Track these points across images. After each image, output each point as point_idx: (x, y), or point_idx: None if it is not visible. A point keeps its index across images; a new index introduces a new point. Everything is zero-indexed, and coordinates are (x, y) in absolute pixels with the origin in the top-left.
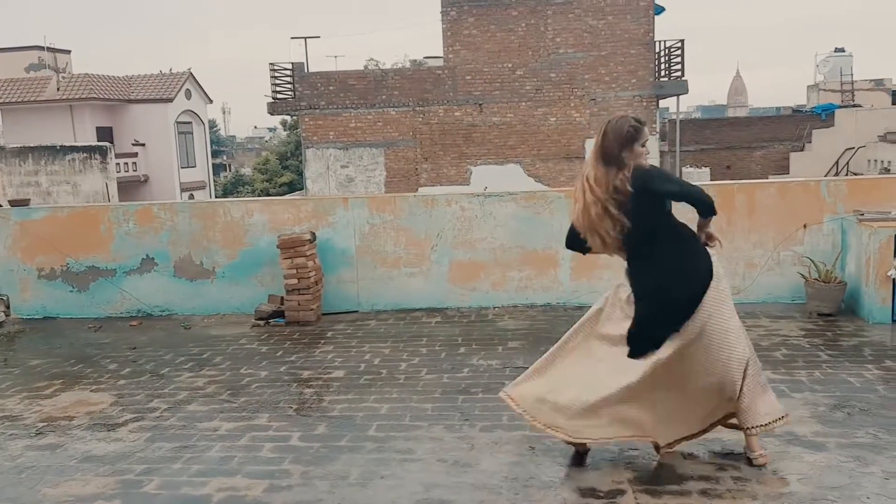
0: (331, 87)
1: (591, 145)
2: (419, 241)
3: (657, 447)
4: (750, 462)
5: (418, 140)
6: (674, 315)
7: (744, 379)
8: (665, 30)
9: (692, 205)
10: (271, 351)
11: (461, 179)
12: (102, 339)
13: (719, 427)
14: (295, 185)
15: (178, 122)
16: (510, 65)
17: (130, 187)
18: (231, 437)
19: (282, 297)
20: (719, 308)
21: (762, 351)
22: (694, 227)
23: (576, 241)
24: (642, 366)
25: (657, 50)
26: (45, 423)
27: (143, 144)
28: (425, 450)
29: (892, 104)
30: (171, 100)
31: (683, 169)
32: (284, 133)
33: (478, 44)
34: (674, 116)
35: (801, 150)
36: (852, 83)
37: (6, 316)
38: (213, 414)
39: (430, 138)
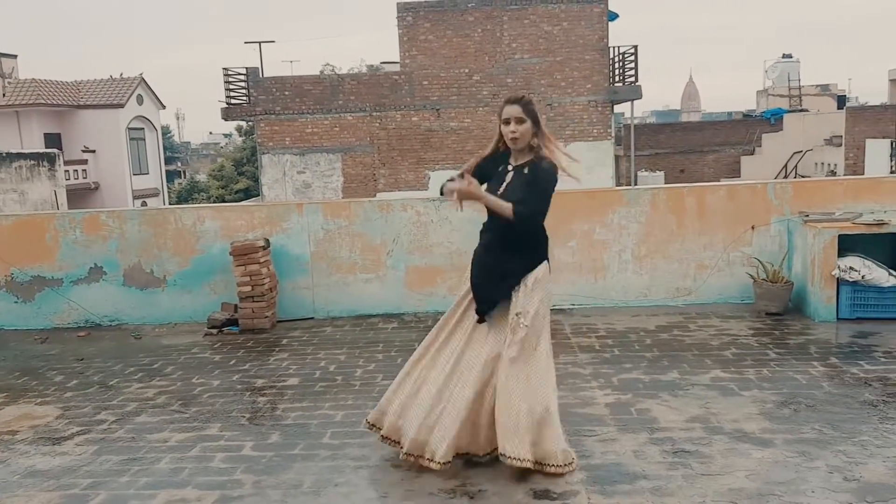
0: (286, 92)
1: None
2: (375, 247)
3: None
4: None
5: (376, 145)
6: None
7: None
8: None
9: None
10: (224, 360)
11: (419, 185)
12: (49, 350)
13: (672, 425)
14: (251, 192)
15: (130, 128)
16: (467, 70)
17: (80, 195)
18: (181, 448)
19: (235, 305)
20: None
21: (713, 350)
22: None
23: None
24: None
25: (611, 56)
26: None
27: (94, 151)
28: (379, 456)
29: (838, 109)
30: (122, 105)
31: (638, 173)
32: (240, 139)
33: (434, 49)
34: (628, 121)
35: (752, 153)
36: (800, 88)
37: None
38: (163, 425)
39: (388, 143)
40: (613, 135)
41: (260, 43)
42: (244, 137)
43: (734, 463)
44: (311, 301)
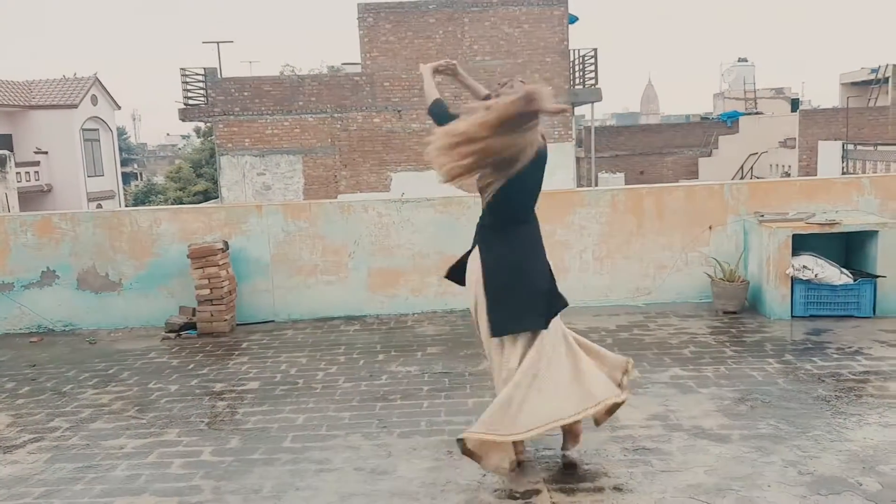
0: (245, 93)
1: None
2: (336, 249)
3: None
4: None
5: (337, 147)
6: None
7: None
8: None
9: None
10: (182, 364)
11: (381, 186)
12: None
13: (632, 423)
14: (210, 194)
15: (84, 129)
16: None
17: (33, 197)
18: (138, 454)
19: (193, 309)
20: None
21: (672, 349)
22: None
23: None
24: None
25: (572, 58)
26: None
27: (46, 152)
28: (342, 459)
29: (792, 112)
30: (75, 106)
31: (599, 174)
32: (198, 140)
33: (395, 50)
34: (589, 123)
35: (709, 155)
36: (755, 92)
37: None
38: (119, 431)
39: (349, 145)
40: (574, 137)
41: (218, 43)
42: (202, 139)
43: (693, 459)
44: (272, 304)
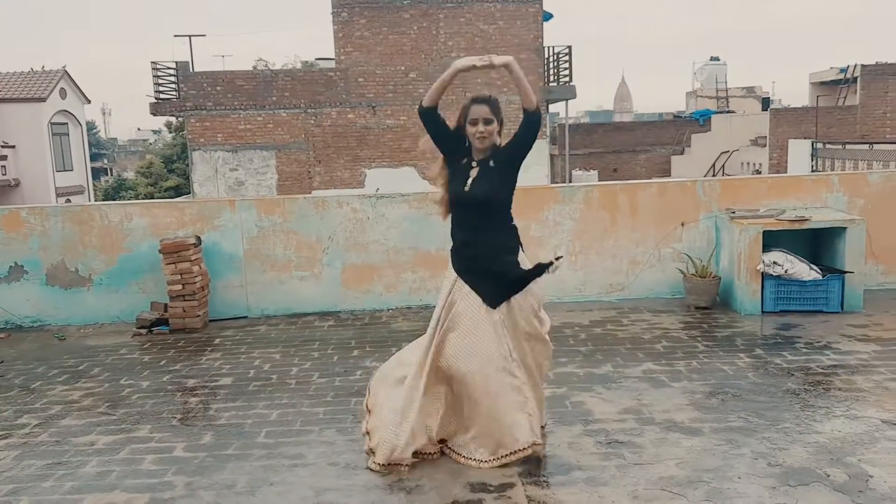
0: (218, 88)
1: None
2: (310, 245)
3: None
4: None
5: (311, 143)
6: None
7: None
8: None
9: None
10: (154, 360)
11: (355, 183)
12: None
13: (606, 417)
14: (182, 190)
15: (53, 123)
16: (403, 67)
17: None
18: (109, 450)
19: (165, 304)
20: None
21: (644, 344)
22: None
23: None
24: None
25: (546, 56)
26: None
27: (13, 146)
28: (316, 454)
29: (763, 110)
30: (43, 99)
31: (573, 172)
32: (170, 135)
33: (370, 46)
34: (563, 121)
35: (682, 153)
36: (727, 90)
37: None
38: (90, 428)
39: (323, 141)
40: (548, 134)
41: (190, 37)
42: (174, 134)
43: (665, 452)
44: (245, 300)
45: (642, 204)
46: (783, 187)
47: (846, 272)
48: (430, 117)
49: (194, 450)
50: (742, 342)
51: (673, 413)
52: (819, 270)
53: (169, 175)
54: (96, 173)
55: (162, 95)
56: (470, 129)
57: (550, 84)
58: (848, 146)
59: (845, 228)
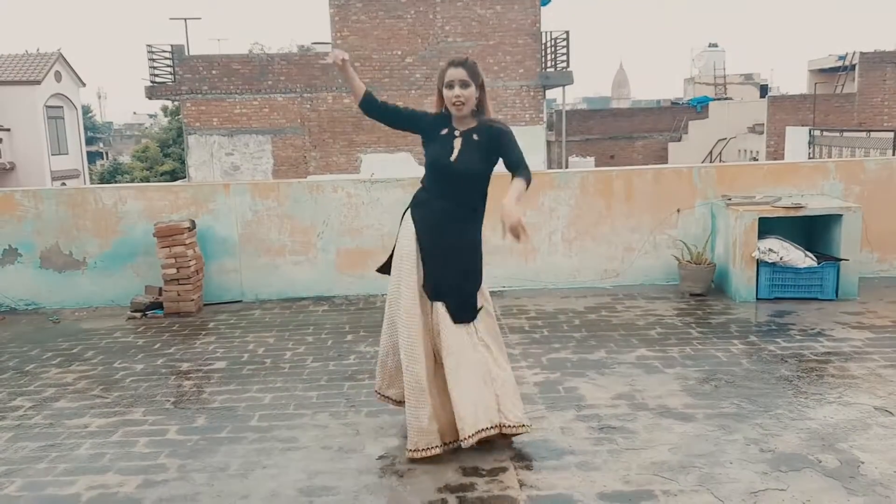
0: (213, 71)
1: None
2: (305, 229)
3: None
4: None
5: (306, 127)
6: None
7: None
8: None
9: None
10: (148, 344)
11: (351, 168)
12: None
13: (598, 403)
14: (177, 174)
15: (48, 107)
16: (399, 52)
17: None
18: (102, 433)
19: (160, 288)
20: None
21: (638, 330)
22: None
23: None
24: None
25: (544, 41)
26: None
27: (8, 129)
28: (309, 437)
29: (760, 98)
30: (38, 82)
31: (570, 158)
32: (165, 119)
33: (366, 30)
34: (560, 107)
35: (679, 140)
36: (724, 77)
37: None
38: (83, 410)
39: (319, 126)
40: (545, 120)
41: (186, 19)
42: (170, 118)
43: (657, 437)
44: (239, 284)
45: (638, 190)
46: (780, 174)
47: (841, 260)
48: (369, 111)
49: (188, 433)
50: (736, 329)
51: (666, 399)
52: (814, 258)
53: (165, 159)
54: (92, 157)
55: (157, 79)
56: (447, 93)
57: (548, 70)
58: (845, 134)
59: (841, 216)
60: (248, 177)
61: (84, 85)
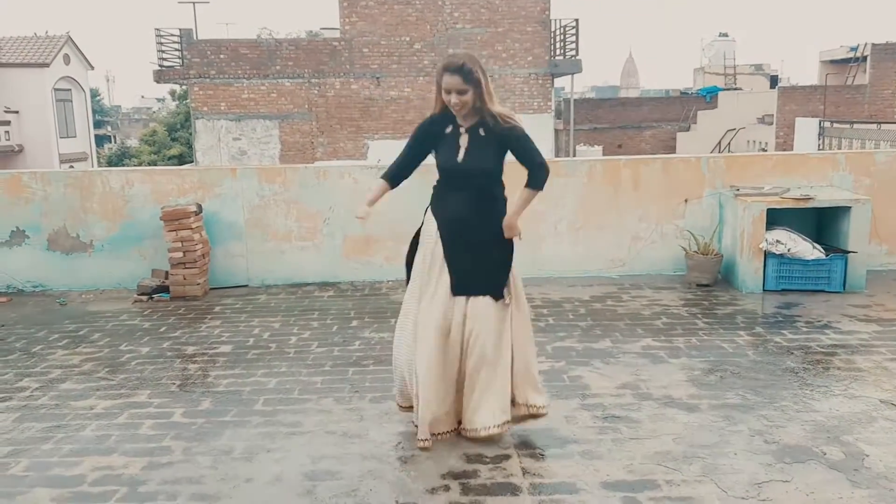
0: (222, 56)
1: None
2: (311, 214)
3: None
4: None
5: (314, 113)
6: None
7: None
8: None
9: None
10: (154, 327)
11: (358, 154)
12: None
13: (603, 392)
14: (185, 158)
15: (56, 89)
16: (408, 38)
17: (2, 157)
18: (108, 415)
19: (166, 272)
20: None
21: (644, 320)
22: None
23: None
24: None
25: (553, 28)
26: None
27: (17, 112)
28: (314, 422)
29: (770, 88)
30: (47, 65)
31: (577, 147)
32: (173, 103)
33: (375, 16)
34: (568, 95)
35: (687, 130)
36: (735, 67)
37: None
38: (89, 392)
39: (327, 111)
40: (553, 108)
41: (194, 3)
42: (178, 102)
43: (661, 427)
44: (245, 268)
45: (646, 179)
46: (789, 165)
47: (849, 252)
48: (398, 183)
49: (193, 416)
50: (742, 320)
51: (671, 389)
52: (822, 250)
53: (172, 143)
54: (100, 140)
55: (166, 63)
56: (445, 97)
57: (556, 57)
58: (856, 125)
59: (850, 208)
60: (256, 162)
61: (92, 68)
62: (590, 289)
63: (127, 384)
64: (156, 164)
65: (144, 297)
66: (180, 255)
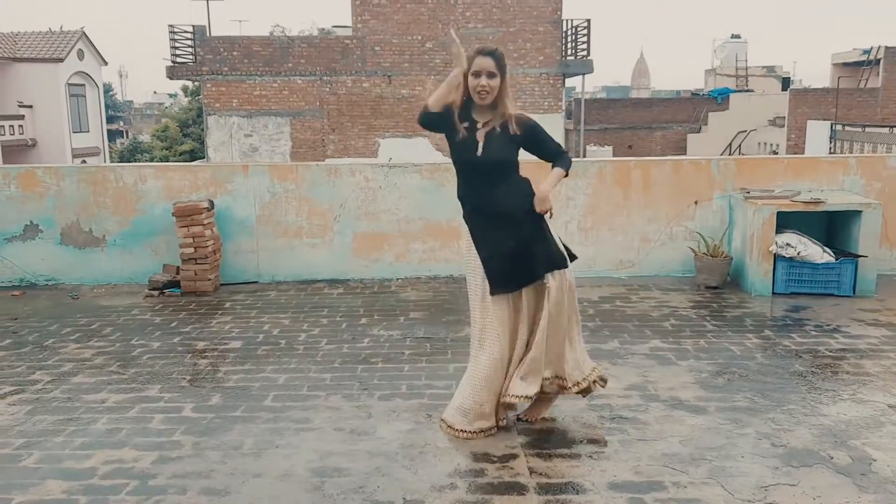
0: (234, 53)
1: None
2: (322, 212)
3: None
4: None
5: (325, 110)
6: None
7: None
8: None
9: None
10: (165, 322)
11: (369, 152)
12: None
13: (611, 393)
14: (196, 154)
15: (70, 84)
16: (420, 37)
17: (16, 151)
18: (119, 408)
19: (177, 267)
20: None
21: (653, 321)
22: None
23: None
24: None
25: (564, 28)
26: None
27: (31, 106)
28: (322, 419)
29: (782, 90)
30: (61, 60)
31: (587, 147)
32: (185, 99)
33: (387, 14)
34: (579, 95)
35: (698, 131)
36: (746, 69)
37: None
38: (101, 386)
39: (338, 109)
40: (564, 108)
41: (208, 0)
42: (190, 98)
43: (669, 429)
44: (256, 265)
45: (656, 181)
46: (799, 168)
47: (860, 256)
48: (433, 120)
49: (202, 410)
50: (751, 323)
51: (678, 391)
52: (832, 253)
53: (184, 139)
54: (112, 135)
55: (178, 59)
56: (472, 82)
57: (568, 57)
58: (868, 129)
59: (861, 212)
60: (267, 159)
61: (106, 63)
62: (599, 289)
63: (138, 378)
64: (167, 160)
65: (156, 292)
66: (192, 250)
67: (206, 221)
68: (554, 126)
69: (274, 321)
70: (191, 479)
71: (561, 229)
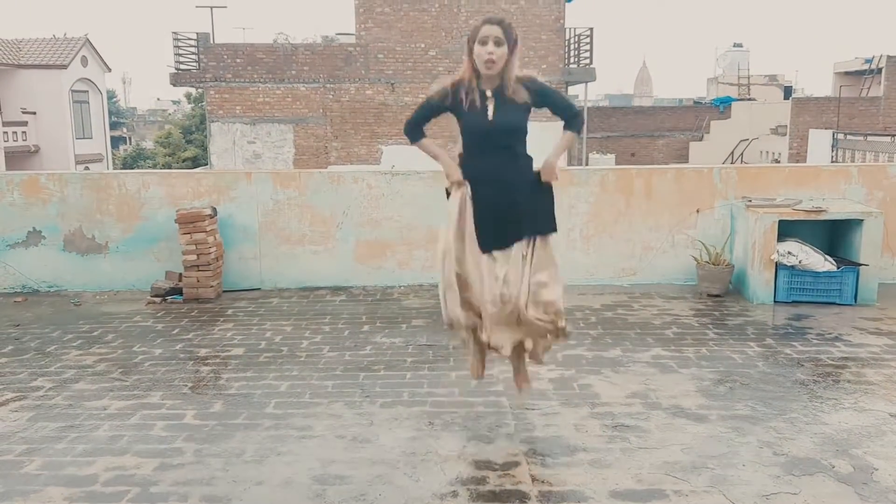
0: (238, 60)
1: None
2: (325, 219)
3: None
4: None
5: (328, 118)
6: None
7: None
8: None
9: None
10: (167, 328)
11: (372, 159)
12: None
13: (613, 401)
14: (199, 161)
15: (73, 91)
16: (423, 45)
17: (19, 158)
18: (121, 415)
19: (180, 274)
20: None
21: (654, 329)
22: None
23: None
24: None
25: (567, 37)
26: None
27: (34, 113)
28: (324, 426)
29: (784, 99)
30: (65, 66)
31: (590, 155)
32: (189, 106)
33: (391, 22)
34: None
35: (700, 139)
36: (748, 77)
37: None
38: (103, 392)
39: (341, 116)
40: None
41: (212, 8)
42: (193, 105)
43: (670, 437)
44: (258, 272)
45: (658, 189)
46: (801, 177)
47: (861, 265)
48: (425, 117)
49: (204, 418)
50: (753, 331)
51: (680, 399)
52: (834, 262)
53: (187, 146)
54: (115, 142)
55: (182, 66)
56: (478, 50)
57: (571, 66)
58: (870, 138)
59: (862, 221)
60: (270, 165)
61: (109, 70)
62: (600, 297)
63: (140, 385)
64: (170, 167)
65: (158, 299)
66: (194, 257)
67: (208, 228)
68: (556, 134)
69: (276, 328)
70: (192, 486)
71: (563, 237)
